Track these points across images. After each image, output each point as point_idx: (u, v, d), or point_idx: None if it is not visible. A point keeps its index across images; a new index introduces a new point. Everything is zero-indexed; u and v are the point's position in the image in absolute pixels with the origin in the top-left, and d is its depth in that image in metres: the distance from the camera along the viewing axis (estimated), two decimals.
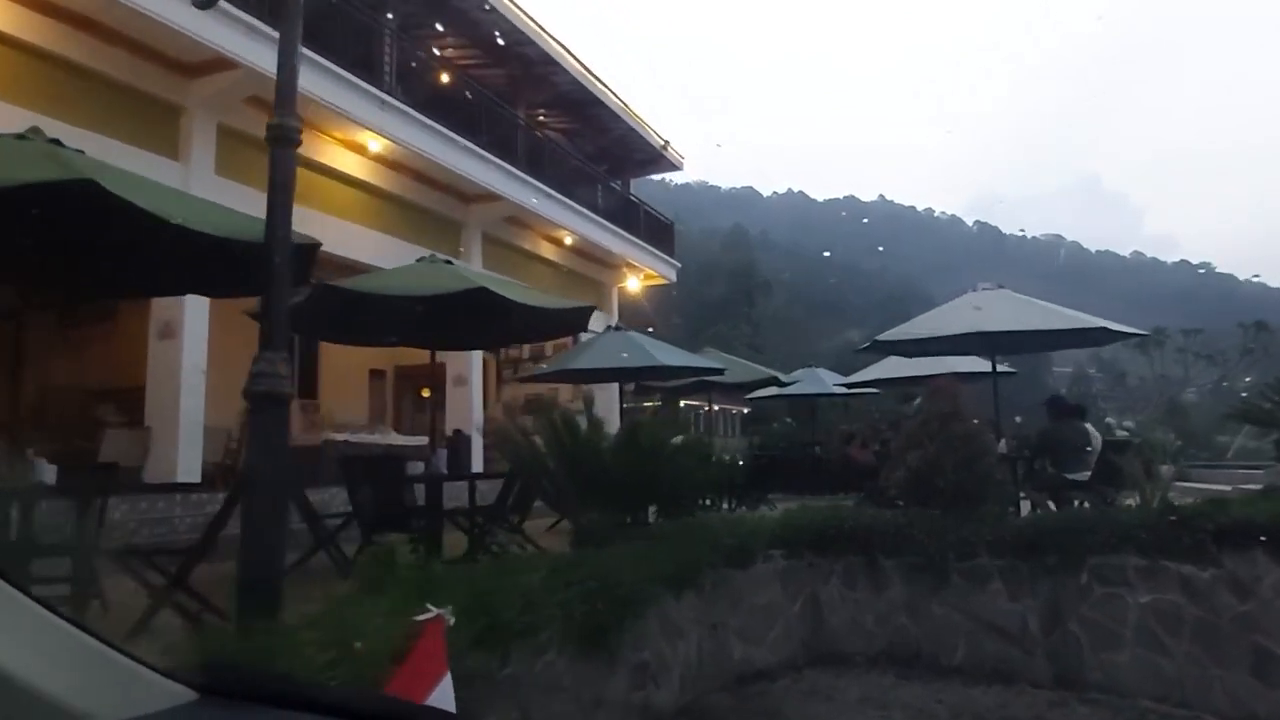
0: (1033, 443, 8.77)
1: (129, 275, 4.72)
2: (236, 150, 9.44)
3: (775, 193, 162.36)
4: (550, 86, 16.60)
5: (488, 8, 13.59)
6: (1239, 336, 34.22)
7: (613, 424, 9.15)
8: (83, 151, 4.26)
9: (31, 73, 7.95)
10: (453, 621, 2.13)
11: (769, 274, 63.20)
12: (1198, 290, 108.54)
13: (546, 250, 16.97)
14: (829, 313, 70.32)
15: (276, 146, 2.89)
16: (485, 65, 15.60)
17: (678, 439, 5.74)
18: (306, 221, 10.29)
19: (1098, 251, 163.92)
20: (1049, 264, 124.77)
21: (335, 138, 11.14)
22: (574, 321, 7.93)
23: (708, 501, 7.76)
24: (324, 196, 11.25)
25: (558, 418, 5.34)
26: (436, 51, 14.58)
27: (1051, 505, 7.74)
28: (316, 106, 10.06)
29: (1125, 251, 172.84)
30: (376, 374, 16.23)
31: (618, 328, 10.97)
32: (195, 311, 8.75)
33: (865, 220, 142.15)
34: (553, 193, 15.38)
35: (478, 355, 14.19)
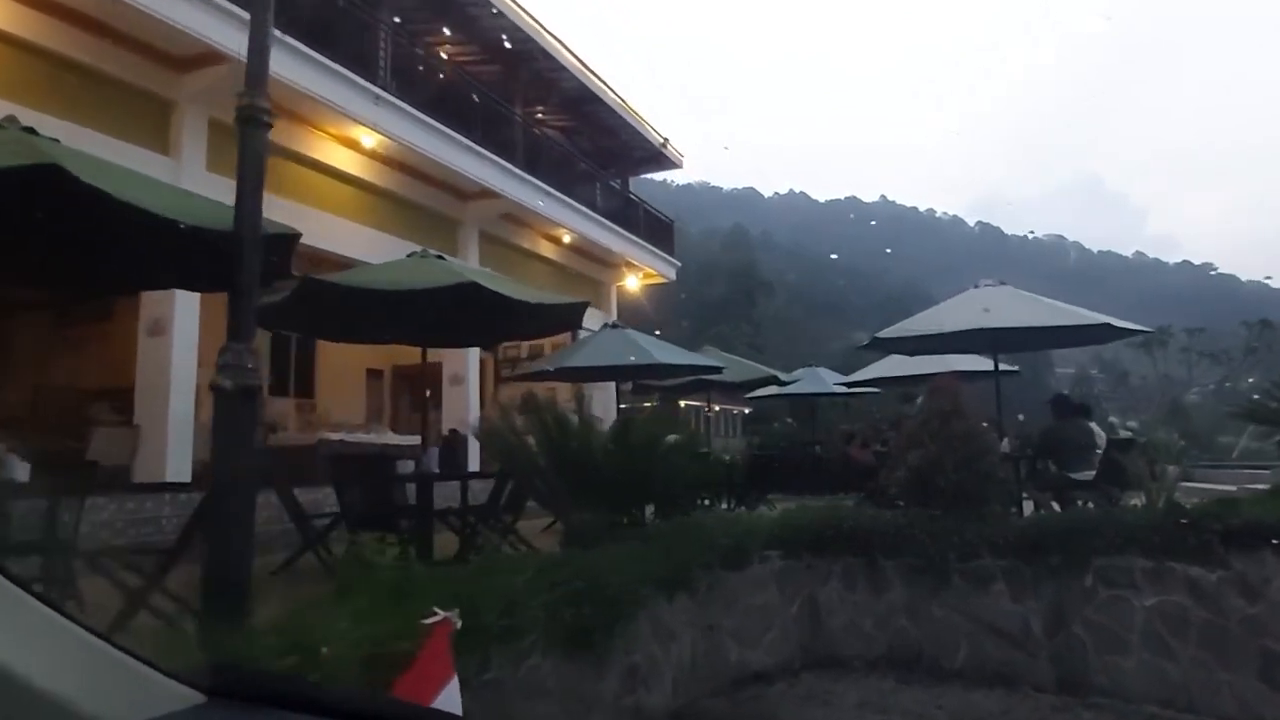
0: (1036, 441, 8.63)
1: (108, 268, 4.59)
2: (228, 145, 9.20)
3: (776, 193, 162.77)
4: (548, 83, 16.49)
5: (484, 4, 13.49)
6: (1242, 336, 34.07)
7: (610, 423, 9.01)
8: (58, 140, 4.15)
9: (19, 67, 7.85)
10: (459, 625, 2.08)
11: (771, 275, 63.17)
12: (1200, 291, 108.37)
13: (545, 248, 16.86)
14: (830, 313, 70.27)
15: (246, 127, 2.77)
16: (482, 61, 15.50)
17: (671, 437, 5.61)
18: (300, 218, 10.24)
19: (1100, 252, 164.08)
20: (1052, 264, 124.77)
21: (329, 133, 11.04)
22: (568, 318, 7.81)
23: (706, 501, 7.65)
24: (318, 193, 11.15)
25: (548, 415, 5.21)
26: (432, 47, 14.47)
27: (1055, 505, 7.61)
28: (311, 102, 9.97)
29: (1127, 252, 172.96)
30: (374, 374, 16.16)
31: (615, 325, 10.83)
32: (185, 308, 8.64)
33: (873, 222, 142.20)
34: (551, 190, 15.27)
35: (474, 354, 14.08)
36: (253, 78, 2.78)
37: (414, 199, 12.91)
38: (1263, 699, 4.66)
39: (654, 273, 20.33)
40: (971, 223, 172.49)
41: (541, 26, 14.90)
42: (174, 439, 8.56)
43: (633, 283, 20.14)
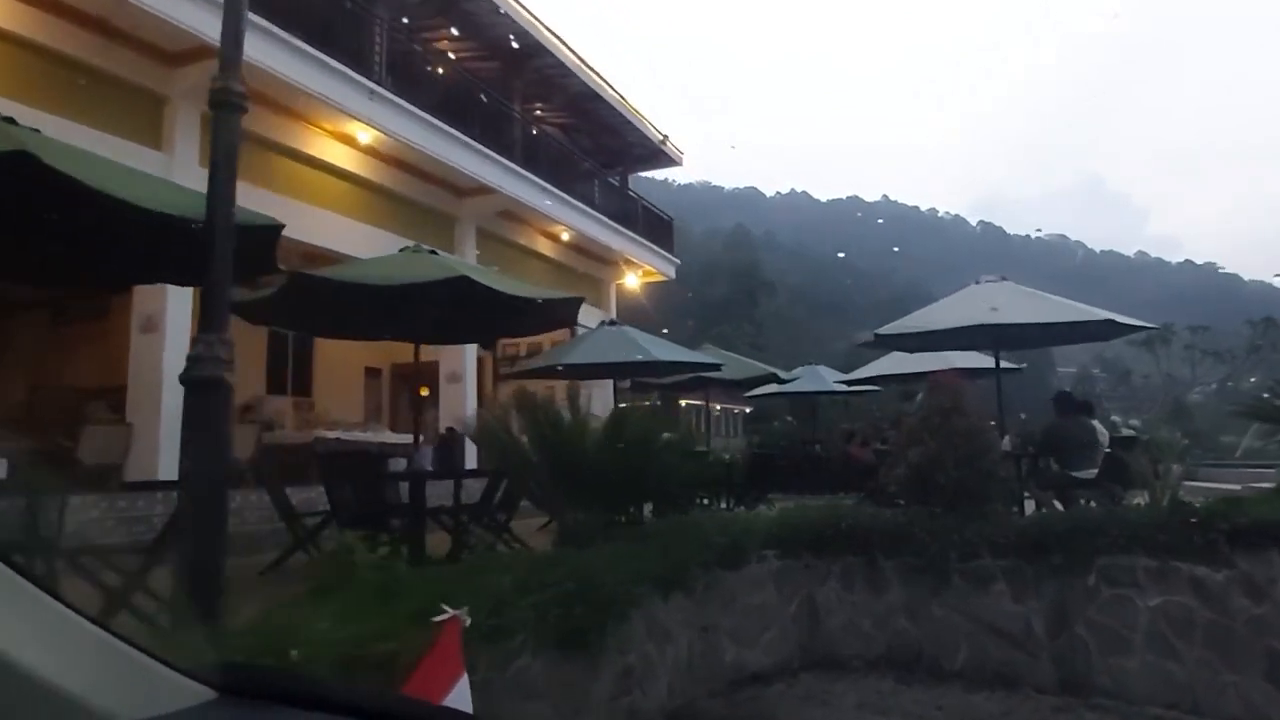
0: (1038, 439, 8.52)
1: (90, 262, 4.50)
2: None
3: (778, 193, 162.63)
4: (546, 79, 16.39)
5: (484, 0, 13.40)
6: (1245, 335, 33.98)
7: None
8: (39, 130, 4.07)
9: (11, 62, 7.77)
10: (469, 622, 2.08)
11: (774, 275, 63.05)
12: (1203, 290, 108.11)
13: (543, 245, 16.77)
14: (833, 313, 70.10)
15: (219, 111, 2.68)
16: (480, 57, 15.40)
17: (666, 435, 5.51)
18: (295, 214, 10.12)
19: (1102, 252, 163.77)
20: (1054, 264, 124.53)
21: (324, 129, 10.95)
22: (563, 313, 7.71)
23: (704, 500, 7.56)
24: (314, 189, 11.07)
25: (540, 412, 5.12)
26: (431, 44, 14.38)
27: (1057, 504, 7.51)
28: (305, 97, 9.88)
29: (1129, 251, 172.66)
30: (373, 372, 16.07)
31: (613, 323, 10.74)
32: (178, 304, 8.54)
33: (880, 221, 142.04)
34: (549, 187, 15.18)
35: (471, 351, 13.98)
36: (227, 60, 2.71)
37: (410, 195, 12.81)
38: (1269, 700, 4.57)
39: (653, 270, 20.22)
40: (973, 222, 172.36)
41: (540, 23, 14.81)
42: (166, 437, 8.45)
43: (632, 280, 20.04)
